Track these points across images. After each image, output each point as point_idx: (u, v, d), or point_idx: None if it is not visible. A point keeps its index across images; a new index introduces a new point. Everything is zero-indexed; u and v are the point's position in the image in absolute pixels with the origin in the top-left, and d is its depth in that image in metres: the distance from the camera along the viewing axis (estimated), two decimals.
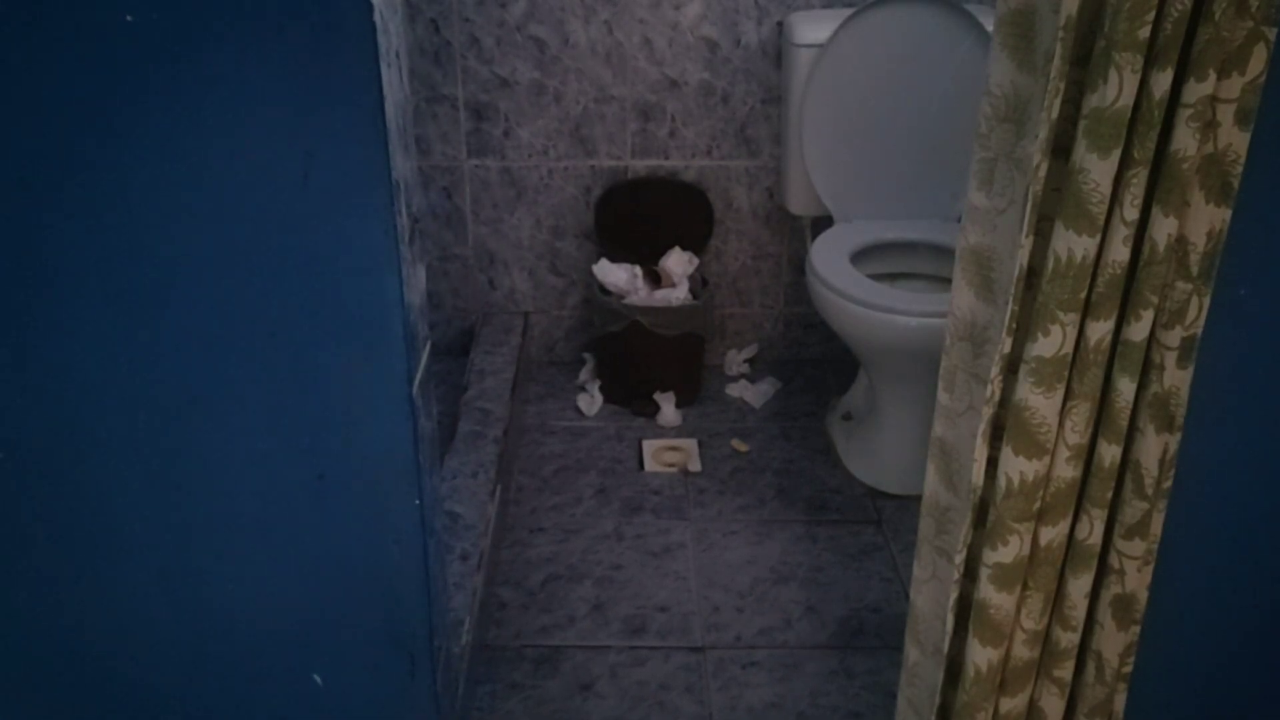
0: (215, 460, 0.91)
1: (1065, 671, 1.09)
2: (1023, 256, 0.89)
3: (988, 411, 0.94)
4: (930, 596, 1.08)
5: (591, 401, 2.23)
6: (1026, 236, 0.88)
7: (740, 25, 2.10)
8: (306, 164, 0.80)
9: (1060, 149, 0.89)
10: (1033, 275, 0.94)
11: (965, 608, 1.09)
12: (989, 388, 0.93)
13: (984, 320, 0.94)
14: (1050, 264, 0.88)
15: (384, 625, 0.98)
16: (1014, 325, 0.92)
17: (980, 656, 1.03)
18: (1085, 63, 0.86)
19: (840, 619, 1.67)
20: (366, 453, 0.91)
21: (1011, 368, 0.97)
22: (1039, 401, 0.92)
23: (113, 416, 0.88)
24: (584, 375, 2.32)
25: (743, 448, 2.12)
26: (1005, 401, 0.99)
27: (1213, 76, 0.82)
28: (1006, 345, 0.92)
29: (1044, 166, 0.87)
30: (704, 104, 2.17)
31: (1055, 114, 0.85)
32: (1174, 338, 0.93)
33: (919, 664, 1.12)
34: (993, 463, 1.02)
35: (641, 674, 1.56)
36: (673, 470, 2.05)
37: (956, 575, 1.02)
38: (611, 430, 2.16)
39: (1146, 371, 0.95)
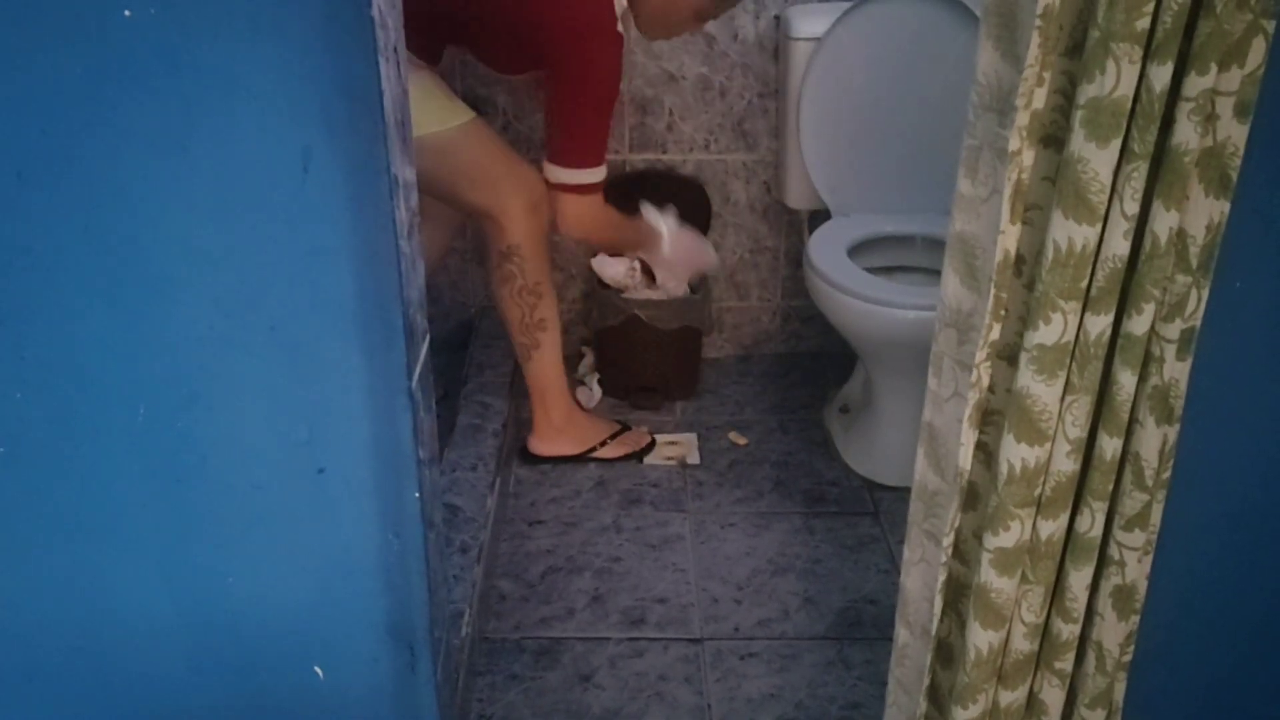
0: (215, 454, 0.91)
1: (1066, 663, 1.09)
2: (1006, 243, 0.89)
3: (974, 397, 0.95)
4: (919, 579, 1.09)
5: (590, 395, 2.24)
6: (1010, 224, 0.88)
7: (738, 19, 2.09)
8: (305, 158, 0.81)
9: (1051, 139, 0.90)
10: (1021, 264, 0.94)
11: (953, 590, 1.10)
12: (974, 373, 0.94)
13: (968, 307, 0.95)
14: (1050, 253, 0.88)
15: (384, 618, 0.99)
16: (1002, 312, 0.93)
17: (981, 639, 1.04)
18: (1075, 54, 0.86)
19: (838, 610, 1.68)
20: (366, 446, 0.91)
21: (1006, 355, 0.98)
22: (1040, 389, 0.93)
23: (112, 411, 0.88)
24: (583, 369, 2.32)
25: (741, 441, 2.12)
26: (995, 388, 1.00)
27: (1214, 70, 0.82)
28: (995, 332, 0.93)
29: (1027, 155, 0.87)
30: (702, 98, 2.17)
31: (1040, 104, 0.86)
32: (1173, 330, 0.93)
33: (908, 645, 1.13)
34: (983, 448, 1.02)
35: (640, 665, 1.57)
36: (671, 463, 2.05)
37: (945, 558, 1.02)
38: None
39: (1146, 364, 0.95)
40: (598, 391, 2.25)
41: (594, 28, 1.67)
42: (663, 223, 2.02)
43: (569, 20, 1.66)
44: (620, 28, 1.71)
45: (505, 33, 1.73)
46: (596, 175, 1.76)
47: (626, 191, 2.21)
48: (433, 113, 1.72)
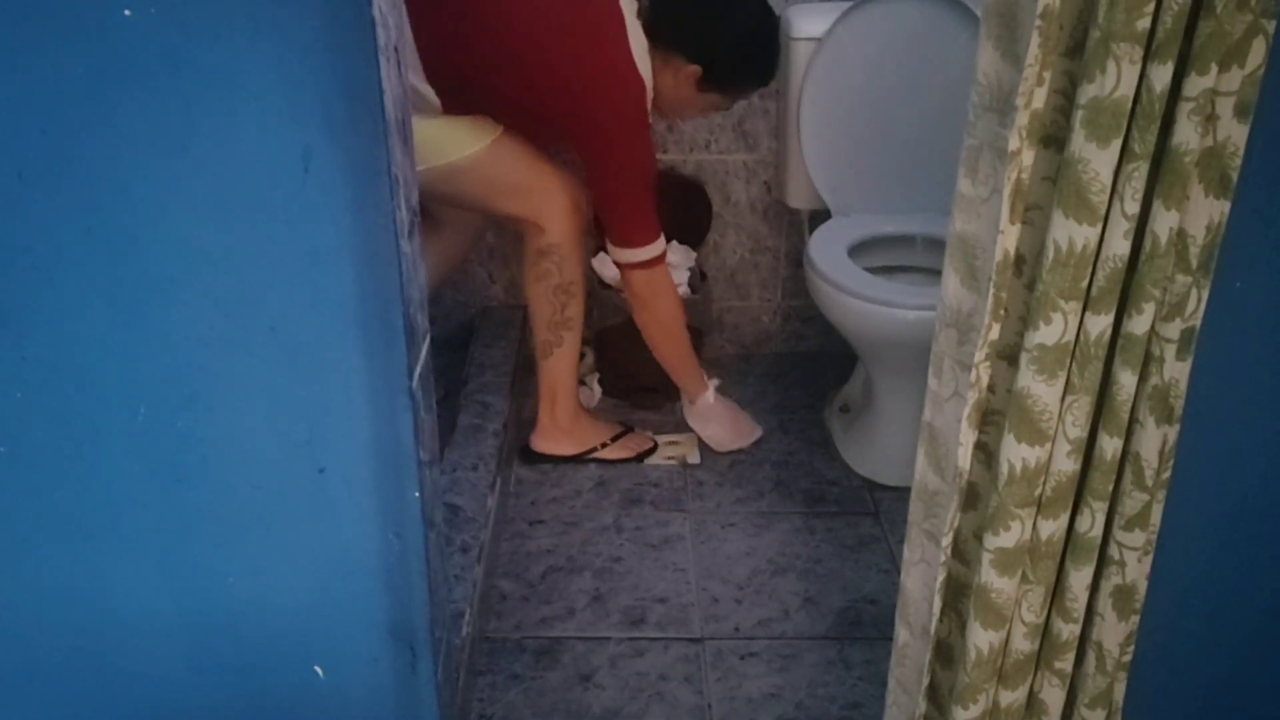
0: (215, 454, 0.91)
1: (1066, 663, 1.09)
2: (1005, 243, 0.89)
3: (973, 396, 0.95)
4: (919, 578, 1.09)
5: (591, 395, 2.23)
6: (1010, 224, 0.89)
7: None
8: (306, 158, 0.81)
9: (1051, 139, 0.90)
10: (1021, 264, 0.94)
11: (953, 590, 1.10)
12: (974, 373, 0.94)
13: (969, 307, 0.95)
14: (1050, 253, 0.88)
15: (385, 617, 0.99)
16: (1002, 312, 0.93)
17: (982, 639, 1.04)
18: (1076, 54, 0.86)
19: (838, 610, 1.68)
20: (367, 446, 0.91)
21: (1006, 355, 0.98)
22: (1041, 389, 0.93)
23: (113, 411, 0.88)
24: (583, 369, 2.32)
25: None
26: (996, 388, 1.00)
27: (1214, 70, 0.82)
28: (994, 332, 0.93)
29: (1027, 155, 0.87)
30: None
31: (1040, 103, 0.86)
32: (1173, 330, 0.93)
33: (908, 645, 1.13)
34: (982, 448, 1.02)
35: (641, 665, 1.57)
36: (672, 463, 2.05)
37: (944, 558, 1.03)
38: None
39: (1146, 364, 0.95)
40: (598, 391, 2.24)
41: (629, 122, 1.74)
42: (712, 390, 2.07)
43: (605, 116, 1.72)
44: (650, 116, 1.78)
45: (542, 121, 1.79)
46: (657, 249, 1.83)
47: None
48: (461, 137, 1.75)
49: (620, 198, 1.80)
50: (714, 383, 2.08)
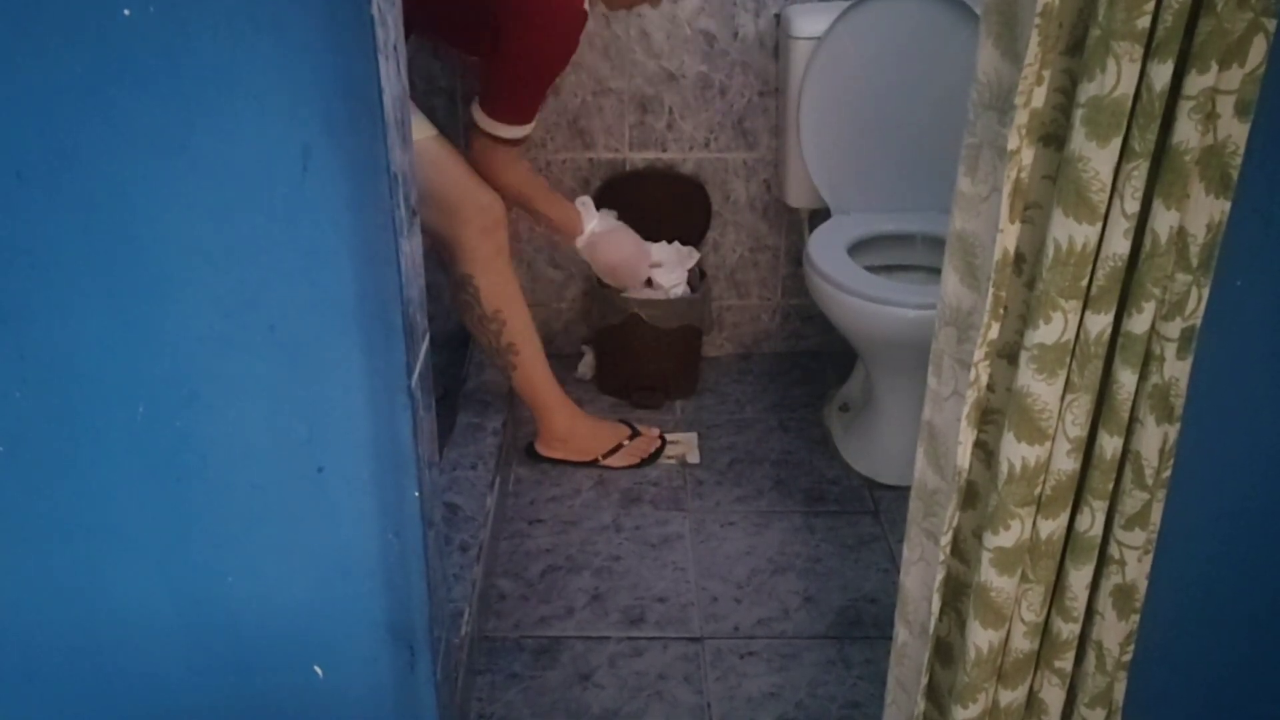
0: (214, 453, 0.91)
1: (1066, 662, 1.09)
2: (1005, 242, 0.89)
3: (972, 395, 0.95)
4: (918, 578, 1.09)
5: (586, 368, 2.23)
6: (1009, 222, 0.88)
7: (738, 18, 2.09)
8: (305, 157, 0.81)
9: (1051, 137, 0.90)
10: (1021, 262, 0.94)
11: (952, 589, 1.10)
12: (973, 371, 0.94)
13: (968, 306, 0.95)
14: (1050, 251, 0.88)
15: (384, 616, 0.99)
16: (1001, 311, 0.93)
17: (981, 638, 1.04)
18: (1076, 52, 0.86)
19: (838, 609, 1.68)
20: (365, 445, 0.91)
21: (1006, 354, 0.98)
22: (1041, 388, 0.93)
23: (112, 410, 0.88)
24: (583, 368, 2.32)
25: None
26: (996, 387, 1.00)
27: (1214, 68, 0.82)
28: (994, 331, 0.93)
29: (1027, 154, 0.87)
30: (702, 96, 2.17)
31: (1040, 102, 0.86)
32: (1173, 329, 0.93)
33: (907, 644, 1.13)
34: (983, 447, 1.02)
35: (640, 664, 1.57)
36: (671, 462, 2.05)
37: (943, 557, 1.02)
38: None
39: (1146, 363, 0.95)
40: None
41: (554, 10, 1.68)
42: (595, 218, 2.00)
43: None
44: (587, 5, 1.72)
45: (474, 4, 1.73)
46: (522, 132, 1.78)
47: (626, 189, 2.22)
48: None
49: (520, 75, 1.73)
50: (596, 215, 2.00)
